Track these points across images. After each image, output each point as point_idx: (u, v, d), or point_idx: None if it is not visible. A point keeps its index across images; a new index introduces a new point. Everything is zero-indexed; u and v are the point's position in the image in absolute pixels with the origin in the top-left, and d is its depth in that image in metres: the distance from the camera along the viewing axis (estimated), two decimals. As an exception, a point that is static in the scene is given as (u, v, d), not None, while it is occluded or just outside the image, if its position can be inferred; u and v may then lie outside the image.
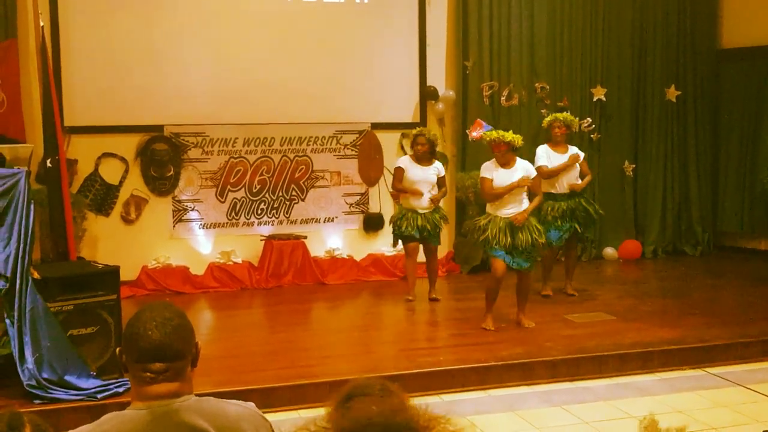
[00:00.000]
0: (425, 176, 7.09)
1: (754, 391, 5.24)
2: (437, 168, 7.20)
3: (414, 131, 7.42)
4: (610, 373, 5.56)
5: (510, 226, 6.13)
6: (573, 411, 4.93)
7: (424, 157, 7.15)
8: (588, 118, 9.46)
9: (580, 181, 7.32)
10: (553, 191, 7.23)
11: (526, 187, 6.24)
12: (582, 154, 7.40)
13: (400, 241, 7.25)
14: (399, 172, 7.17)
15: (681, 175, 9.90)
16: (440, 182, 7.20)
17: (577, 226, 7.25)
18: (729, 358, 5.81)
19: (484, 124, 6.82)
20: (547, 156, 7.24)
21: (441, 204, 7.29)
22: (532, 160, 6.84)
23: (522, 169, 6.26)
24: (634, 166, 9.75)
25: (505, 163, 6.24)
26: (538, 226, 6.27)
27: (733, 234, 9.89)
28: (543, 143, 7.51)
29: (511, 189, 6.15)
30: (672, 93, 9.79)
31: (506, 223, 6.14)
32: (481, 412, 4.90)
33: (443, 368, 5.40)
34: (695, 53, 9.84)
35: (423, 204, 7.07)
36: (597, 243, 9.62)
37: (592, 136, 9.51)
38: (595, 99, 9.53)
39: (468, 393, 5.26)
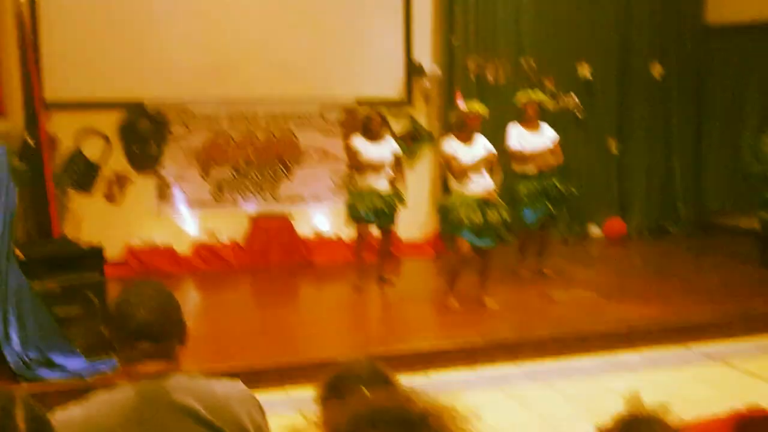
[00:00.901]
0: (380, 154, 6.84)
1: (736, 367, 5.31)
2: (391, 144, 6.98)
3: (363, 110, 7.06)
4: (594, 350, 5.60)
5: (480, 204, 6.10)
6: (558, 388, 4.97)
7: (374, 135, 6.89)
8: (573, 95, 9.45)
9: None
10: (526, 172, 7.16)
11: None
12: (557, 136, 7.32)
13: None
14: (353, 155, 6.88)
15: (665, 153, 9.94)
16: (396, 160, 6.97)
17: (549, 205, 7.16)
18: (711, 334, 5.86)
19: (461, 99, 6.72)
20: (519, 135, 7.15)
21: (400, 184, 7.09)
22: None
23: (482, 142, 6.26)
24: (618, 143, 9.78)
25: (468, 139, 6.23)
26: (505, 205, 6.27)
27: (716, 212, 9.95)
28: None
29: (479, 166, 6.14)
30: (657, 70, 9.79)
31: (476, 201, 6.11)
32: (468, 391, 4.93)
33: (431, 347, 5.42)
34: (680, 30, 9.82)
35: (381, 183, 6.87)
36: (580, 221, 9.66)
37: (577, 113, 9.51)
38: (580, 75, 9.51)
39: (456, 372, 5.29)
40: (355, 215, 6.84)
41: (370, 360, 2.14)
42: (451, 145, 6.25)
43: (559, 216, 7.50)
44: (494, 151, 6.29)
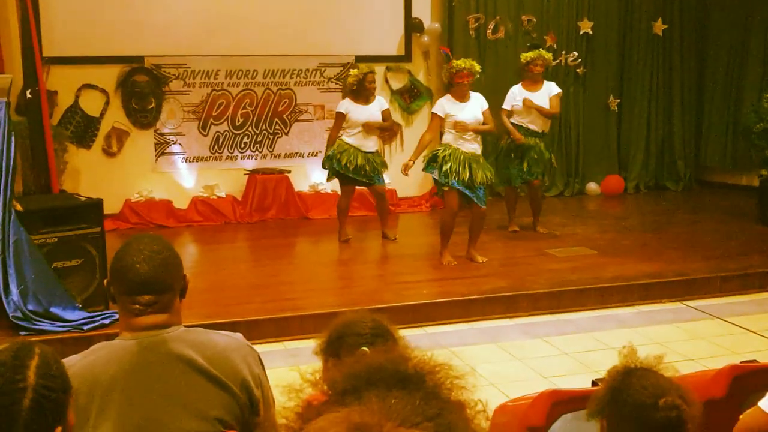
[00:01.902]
0: (370, 116, 6.81)
1: (731, 323, 5.36)
2: (380, 103, 6.93)
3: (361, 70, 6.89)
4: (590, 305, 5.66)
5: (468, 161, 6.09)
6: (554, 342, 5.03)
7: (367, 96, 6.85)
8: (574, 52, 9.40)
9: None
10: (523, 126, 7.10)
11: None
12: (559, 90, 7.28)
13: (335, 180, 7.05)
14: (340, 119, 6.84)
15: (665, 110, 9.91)
16: (385, 116, 6.94)
17: (524, 165, 7.11)
18: (708, 291, 5.92)
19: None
20: (514, 97, 7.11)
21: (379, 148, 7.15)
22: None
23: (477, 101, 6.23)
24: (618, 100, 9.74)
25: (462, 97, 6.20)
26: (490, 168, 6.27)
27: (715, 169, 9.95)
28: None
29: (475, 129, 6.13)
30: (659, 26, 9.71)
31: (466, 158, 6.10)
32: (464, 344, 4.99)
33: (427, 301, 5.46)
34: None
35: (368, 145, 6.85)
36: (580, 178, 9.67)
37: (578, 70, 9.46)
38: (581, 32, 9.44)
39: (452, 325, 5.34)
40: (339, 169, 6.80)
41: (371, 315, 2.16)
42: (442, 104, 6.21)
43: (536, 175, 7.41)
44: (486, 106, 6.26)
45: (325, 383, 1.10)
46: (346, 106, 6.89)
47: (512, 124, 7.12)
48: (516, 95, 7.15)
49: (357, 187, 7.13)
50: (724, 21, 9.59)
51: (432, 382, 1.10)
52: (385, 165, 7.14)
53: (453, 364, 1.18)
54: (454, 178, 6.03)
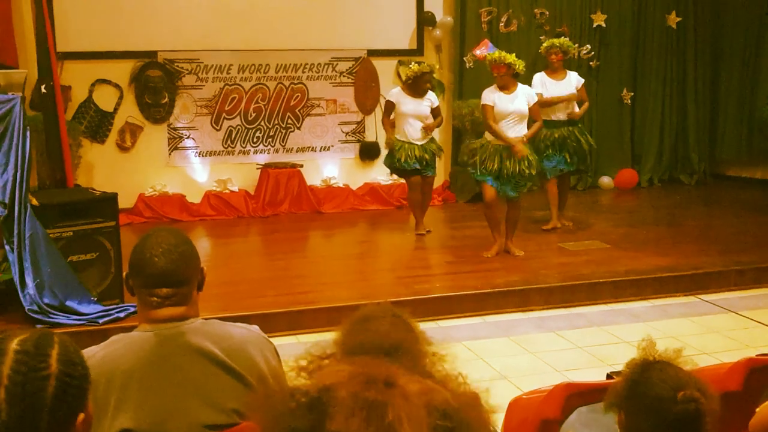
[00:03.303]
0: (419, 109, 6.85)
1: (746, 317, 5.34)
2: (430, 99, 6.96)
3: (422, 67, 6.92)
4: (604, 299, 5.64)
5: (500, 153, 6.09)
6: (567, 336, 5.02)
7: (419, 90, 6.90)
8: (587, 45, 9.36)
9: (578, 109, 7.22)
10: (547, 119, 7.05)
11: (525, 116, 6.19)
12: (581, 80, 7.29)
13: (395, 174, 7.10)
14: (390, 106, 6.91)
15: (679, 103, 9.85)
16: (435, 113, 6.98)
17: (567, 156, 7.10)
18: (722, 285, 5.89)
19: (490, 45, 6.62)
20: (542, 84, 7.10)
21: (435, 134, 7.16)
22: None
23: (523, 94, 6.21)
24: (632, 94, 9.69)
25: (504, 87, 6.17)
26: (530, 157, 6.20)
27: (729, 162, 9.90)
28: (541, 70, 7.39)
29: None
30: (672, 19, 9.65)
31: (497, 150, 6.10)
32: (477, 338, 4.99)
33: (440, 295, 5.47)
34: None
35: (418, 135, 6.88)
36: (593, 172, 9.63)
37: (591, 63, 9.42)
38: (594, 25, 9.40)
39: (464, 319, 5.34)
40: (400, 167, 6.86)
41: (393, 308, 2.16)
42: (488, 94, 6.19)
43: (579, 167, 7.39)
44: (534, 100, 6.25)
45: (321, 356, 1.14)
46: (397, 95, 6.90)
47: (545, 122, 7.04)
48: (544, 82, 7.09)
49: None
50: (739, 13, 9.52)
51: (416, 351, 1.14)
52: (440, 149, 7.17)
53: (444, 343, 1.21)
54: (483, 169, 6.06)
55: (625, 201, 9.13)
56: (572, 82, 7.18)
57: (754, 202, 8.30)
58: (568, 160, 7.13)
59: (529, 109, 6.21)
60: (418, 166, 6.86)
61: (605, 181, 9.62)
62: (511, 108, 6.12)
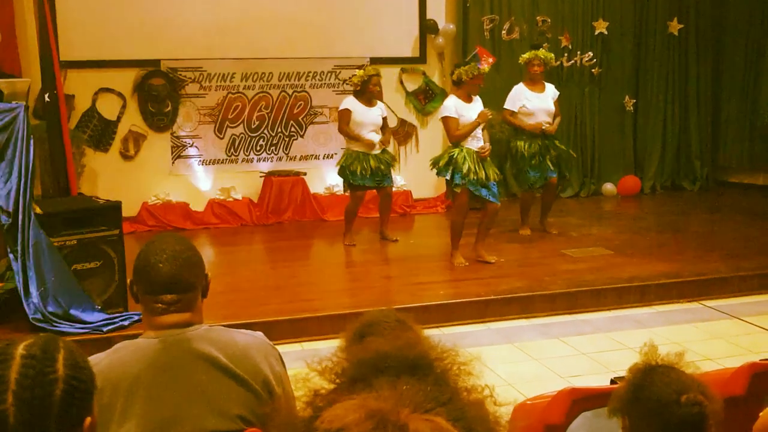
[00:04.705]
0: (372, 118, 6.81)
1: (749, 323, 5.33)
2: (381, 109, 6.93)
3: (366, 71, 6.89)
4: (607, 306, 5.64)
5: (480, 161, 6.09)
6: (571, 343, 5.02)
7: (369, 98, 6.84)
8: (589, 53, 9.38)
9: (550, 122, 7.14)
10: (527, 131, 7.05)
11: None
12: (557, 93, 7.26)
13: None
14: (346, 114, 6.81)
15: (681, 110, 9.86)
16: (384, 123, 6.94)
17: (549, 163, 7.08)
18: (725, 291, 5.88)
19: (477, 55, 6.53)
20: (517, 97, 7.10)
21: (389, 146, 7.09)
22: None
23: (478, 102, 6.22)
24: (634, 101, 9.70)
25: (469, 98, 6.19)
26: (494, 168, 6.26)
27: (732, 169, 9.90)
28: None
29: (474, 127, 6.09)
30: (674, 26, 9.67)
31: (478, 157, 6.10)
32: (480, 345, 4.99)
33: (443, 302, 5.47)
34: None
35: (374, 147, 6.81)
36: (595, 179, 9.64)
37: (593, 70, 9.44)
38: (596, 33, 9.42)
39: (468, 326, 5.34)
40: (354, 179, 6.81)
41: (396, 313, 2.16)
42: (450, 106, 6.16)
43: (561, 176, 7.41)
44: (483, 108, 6.26)
45: (333, 372, 1.12)
46: (351, 104, 6.87)
47: (522, 134, 7.07)
48: (521, 95, 7.11)
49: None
50: (740, 20, 9.54)
51: (440, 368, 1.11)
52: (395, 159, 7.13)
53: (459, 350, 1.20)
54: (473, 177, 6.03)
55: (628, 207, 9.13)
56: (550, 94, 7.17)
57: (757, 208, 8.30)
58: (551, 167, 7.11)
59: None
60: (369, 184, 6.81)
61: (608, 187, 9.62)
62: (475, 116, 6.11)
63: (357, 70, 7.08)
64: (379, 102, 7.00)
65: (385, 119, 6.97)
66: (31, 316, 4.69)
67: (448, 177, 6.15)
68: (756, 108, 9.35)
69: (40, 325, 4.68)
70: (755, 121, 9.34)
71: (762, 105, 9.18)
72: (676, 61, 9.76)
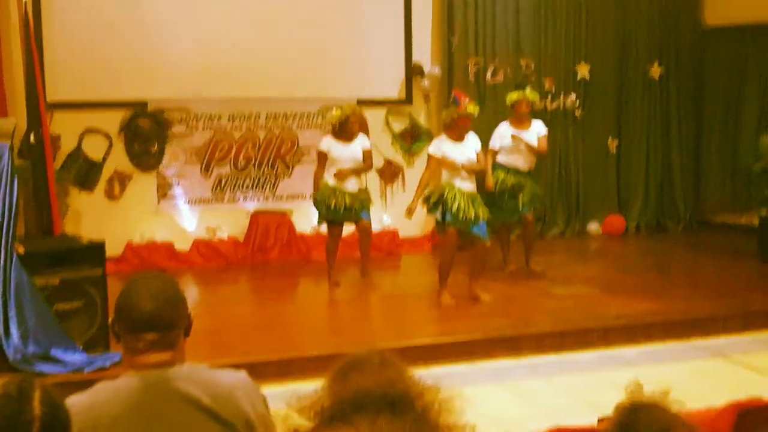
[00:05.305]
0: (351, 154, 6.78)
1: (735, 361, 5.33)
2: (362, 142, 6.89)
3: (344, 110, 6.86)
4: (595, 345, 5.62)
5: (470, 199, 6.13)
6: (558, 382, 4.99)
7: (349, 135, 6.83)
8: (572, 95, 9.49)
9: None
10: (506, 165, 7.15)
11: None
12: (545, 130, 7.34)
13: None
14: (322, 158, 6.83)
15: (664, 151, 9.97)
16: (365, 155, 6.88)
17: (520, 201, 7.12)
18: (710, 330, 5.88)
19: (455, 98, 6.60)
20: (500, 137, 7.18)
21: (365, 184, 7.01)
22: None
23: (473, 141, 6.29)
24: (617, 141, 9.80)
25: (460, 138, 6.25)
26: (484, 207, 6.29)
27: (715, 209, 9.98)
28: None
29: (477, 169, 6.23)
30: (655, 71, 9.82)
31: (468, 196, 6.14)
32: (467, 384, 4.94)
33: (430, 341, 5.44)
34: (678, 31, 9.85)
35: (351, 184, 6.79)
36: (580, 218, 9.70)
37: (576, 113, 9.54)
38: (579, 77, 9.54)
39: (455, 365, 5.30)
40: (327, 213, 6.79)
41: (380, 350, 2.14)
42: (439, 145, 6.25)
43: (538, 210, 7.49)
44: (479, 147, 6.36)
45: (313, 409, 1.10)
46: (328, 143, 6.86)
47: (499, 163, 7.16)
48: (503, 133, 7.21)
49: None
50: (720, 64, 9.71)
51: (420, 405, 1.10)
52: (370, 200, 7.05)
53: (441, 387, 1.18)
54: (462, 217, 6.04)
55: (613, 246, 9.17)
56: (539, 131, 7.24)
57: (739, 247, 8.36)
58: (521, 206, 7.16)
59: (477, 155, 6.29)
60: (342, 218, 6.79)
61: (593, 227, 9.67)
62: (464, 158, 6.18)
63: (335, 110, 7.02)
64: (360, 135, 6.94)
65: (366, 152, 6.88)
66: (11, 357, 4.62)
67: (438, 215, 6.17)
68: (736, 149, 9.48)
69: (20, 365, 4.61)
70: (736, 162, 9.45)
71: (742, 147, 9.30)
72: (658, 104, 9.89)
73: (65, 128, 7.82)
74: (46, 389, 1.38)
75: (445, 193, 6.13)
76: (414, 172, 8.89)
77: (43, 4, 7.68)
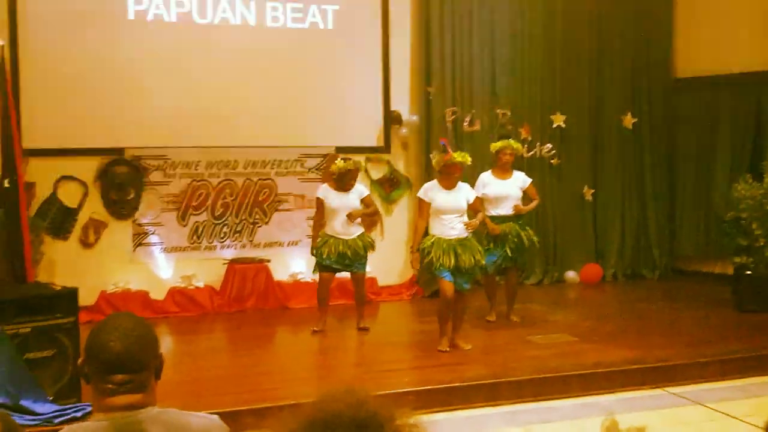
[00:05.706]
0: (347, 202, 6.86)
1: (712, 409, 5.32)
2: (359, 191, 6.99)
3: (346, 164, 6.94)
4: (573, 392, 5.59)
5: (454, 248, 6.14)
6: (538, 431, 4.94)
7: (346, 187, 6.92)
8: (548, 144, 9.61)
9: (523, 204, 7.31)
10: (491, 213, 7.18)
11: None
12: (528, 180, 7.43)
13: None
14: (319, 204, 6.93)
15: (639, 200, 10.09)
16: (367, 202, 6.99)
17: (508, 251, 7.15)
18: (687, 377, 5.88)
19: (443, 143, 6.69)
20: (483, 185, 7.22)
21: (363, 228, 7.10)
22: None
23: (464, 191, 6.33)
24: (593, 190, 9.90)
25: (451, 186, 6.30)
26: (480, 248, 6.33)
27: (690, 257, 10.07)
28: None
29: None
30: (628, 120, 9.99)
31: (450, 245, 6.15)
32: (446, 433, 4.89)
33: (408, 389, 5.37)
34: (650, 82, 10.07)
35: (349, 231, 6.87)
36: (558, 267, 9.73)
37: (552, 161, 9.65)
38: (554, 126, 9.68)
39: (433, 414, 5.23)
40: (320, 261, 6.85)
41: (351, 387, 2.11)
42: (427, 191, 6.30)
43: (520, 263, 7.48)
44: (472, 195, 6.38)
45: None
46: (324, 192, 6.95)
47: (488, 215, 7.18)
48: (486, 182, 7.26)
49: (336, 276, 7.10)
50: (692, 113, 9.90)
51: (391, 428, 1.08)
52: (372, 246, 7.06)
53: (410, 413, 1.16)
54: (440, 265, 6.05)
55: (590, 295, 9.19)
56: (518, 182, 7.31)
57: (715, 295, 8.41)
58: (509, 255, 7.19)
59: (469, 204, 6.32)
60: (334, 266, 6.84)
61: (570, 275, 9.70)
62: (454, 204, 6.22)
63: (338, 161, 7.08)
64: (358, 185, 7.03)
65: (366, 198, 6.98)
66: (-21, 408, 4.50)
67: (427, 270, 6.28)
68: (709, 198, 9.61)
69: (-13, 416, 4.49)
70: (709, 211, 9.57)
71: (715, 195, 9.43)
72: (632, 153, 10.04)
73: (40, 175, 7.77)
74: (8, 421, 1.34)
75: (426, 244, 6.18)
76: (393, 219, 8.94)
77: (20, 50, 7.69)
